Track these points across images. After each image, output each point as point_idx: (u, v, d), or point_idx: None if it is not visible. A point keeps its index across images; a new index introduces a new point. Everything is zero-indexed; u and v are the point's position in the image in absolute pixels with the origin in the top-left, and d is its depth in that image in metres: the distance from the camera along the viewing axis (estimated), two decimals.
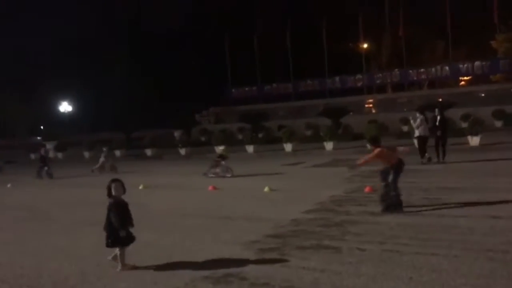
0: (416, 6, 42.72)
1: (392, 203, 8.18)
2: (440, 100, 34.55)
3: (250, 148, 25.44)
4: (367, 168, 14.89)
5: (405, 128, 27.46)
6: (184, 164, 22.04)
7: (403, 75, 41.85)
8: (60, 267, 6.07)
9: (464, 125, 23.98)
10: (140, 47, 55.97)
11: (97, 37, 56.11)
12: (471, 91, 38.67)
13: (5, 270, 6.10)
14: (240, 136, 30.42)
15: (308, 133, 32.43)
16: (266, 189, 11.53)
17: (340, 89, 43.98)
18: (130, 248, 5.86)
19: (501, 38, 42.98)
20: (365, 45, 45.49)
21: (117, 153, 30.00)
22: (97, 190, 10.43)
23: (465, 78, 44.15)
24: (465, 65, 39.69)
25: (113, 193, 5.63)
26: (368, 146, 9.39)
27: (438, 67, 40.69)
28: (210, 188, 12.47)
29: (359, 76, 43.40)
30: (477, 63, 38.96)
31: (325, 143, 23.49)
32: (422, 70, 41.36)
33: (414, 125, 15.62)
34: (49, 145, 33.07)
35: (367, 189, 10.41)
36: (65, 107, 48.44)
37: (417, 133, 15.62)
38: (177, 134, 36.87)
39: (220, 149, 23.75)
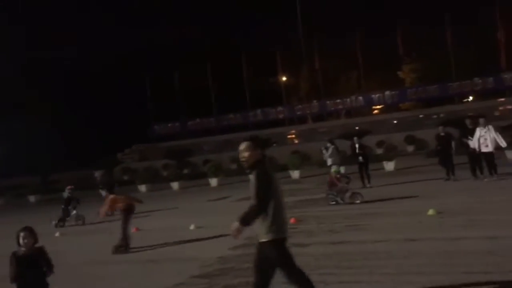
0: (330, 40, 45.07)
1: (121, 244, 9.25)
2: (357, 128, 36.29)
3: (175, 185, 25.01)
4: (293, 198, 15.20)
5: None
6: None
7: (322, 106, 43.60)
8: None
9: (379, 151, 25.33)
10: (55, 87, 53.83)
11: (7, 75, 53.18)
12: (384, 119, 41.03)
13: None
14: (165, 173, 29.86)
15: (234, 166, 32.56)
16: (191, 227, 11.31)
17: (262, 121, 44.88)
18: None
19: (407, 69, 46.37)
20: (284, 79, 47.06)
21: (31, 198, 28.19)
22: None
23: (378, 106, 46.90)
24: (377, 95, 42.18)
25: (20, 243, 5.18)
26: (103, 193, 11.43)
27: (353, 97, 42.89)
28: (133, 230, 12.00)
29: (280, 108, 44.59)
30: (387, 92, 41.58)
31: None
32: (338, 100, 43.35)
33: (326, 155, 16.25)
34: None
35: (292, 220, 10.53)
36: None
37: (329, 162, 16.27)
38: (97, 174, 35.43)
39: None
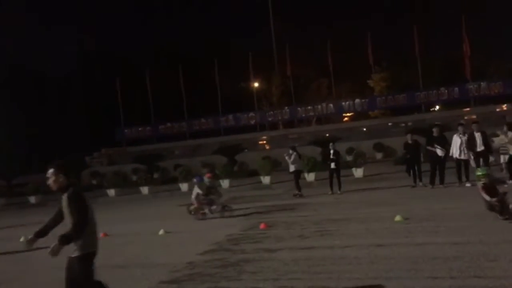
0: (301, 46, 45.59)
1: None
2: (327, 135, 36.71)
3: (145, 190, 24.70)
4: (263, 204, 15.24)
5: None
6: None
7: (293, 112, 43.95)
8: None
9: (349, 158, 25.66)
10: (23, 90, 52.48)
11: None
12: (353, 126, 41.68)
13: None
14: (134, 178, 29.44)
15: (205, 171, 32.35)
16: (161, 232, 11.19)
17: (234, 127, 44.87)
18: None
19: (376, 77, 47.28)
20: (256, 84, 47.24)
21: None
22: None
23: (348, 114, 47.61)
24: (347, 102, 42.84)
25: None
26: None
27: (324, 104, 43.42)
28: (101, 235, 11.77)
29: (252, 114, 44.70)
30: (357, 100, 42.28)
31: (221, 181, 23.60)
32: (309, 107, 43.79)
33: (289, 161, 16.51)
34: None
35: (262, 226, 10.56)
36: None
37: (292, 168, 16.53)
38: None
39: None
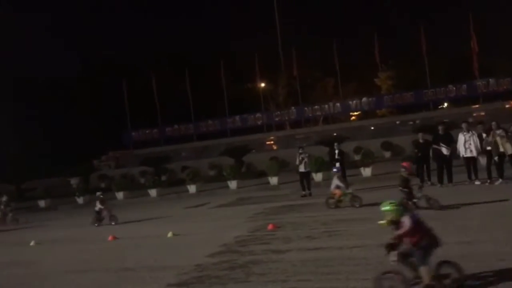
0: (307, 46, 45.51)
1: None
2: (335, 134, 36.60)
3: (153, 192, 24.76)
4: (271, 205, 15.23)
5: None
6: (82, 214, 20.76)
7: (299, 112, 43.83)
8: None
9: (357, 157, 25.54)
10: (32, 94, 52.89)
11: None
12: (361, 125, 41.46)
13: None
14: (142, 180, 29.56)
15: (212, 173, 32.43)
16: (169, 234, 11.22)
17: (241, 128, 44.84)
18: None
19: (383, 76, 47.04)
20: (263, 85, 47.20)
21: None
22: None
23: (355, 113, 47.41)
24: (354, 102, 42.63)
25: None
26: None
27: (331, 104, 43.25)
28: (110, 238, 11.84)
29: (258, 114, 44.64)
30: (364, 99, 42.05)
31: (229, 182, 23.58)
32: (316, 107, 43.65)
33: (302, 162, 16.48)
34: None
35: (270, 227, 10.55)
36: None
37: (302, 168, 16.51)
38: (74, 181, 34.84)
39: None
